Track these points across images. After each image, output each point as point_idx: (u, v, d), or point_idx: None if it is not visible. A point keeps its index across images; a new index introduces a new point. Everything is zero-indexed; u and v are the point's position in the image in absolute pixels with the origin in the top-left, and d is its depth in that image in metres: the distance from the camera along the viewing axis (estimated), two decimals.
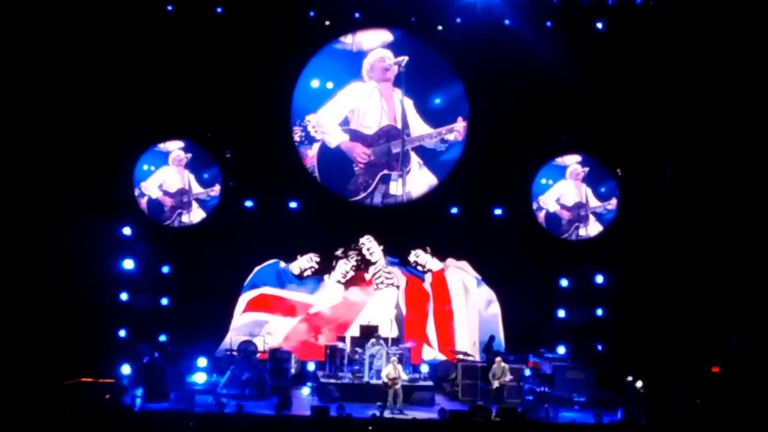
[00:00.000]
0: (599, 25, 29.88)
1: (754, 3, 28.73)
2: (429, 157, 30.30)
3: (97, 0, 28.24)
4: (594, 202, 30.34)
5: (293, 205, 30.24)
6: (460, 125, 30.13)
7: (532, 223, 30.27)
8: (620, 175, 30.12)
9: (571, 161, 30.36)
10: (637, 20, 29.56)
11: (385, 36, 30.01)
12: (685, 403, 25.82)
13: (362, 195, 30.20)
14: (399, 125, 30.09)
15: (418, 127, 30.23)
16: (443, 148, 30.27)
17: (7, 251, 27.32)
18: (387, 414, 24.78)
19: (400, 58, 29.86)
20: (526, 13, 29.65)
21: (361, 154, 30.06)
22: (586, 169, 30.31)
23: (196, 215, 29.48)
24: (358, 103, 30.06)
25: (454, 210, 30.61)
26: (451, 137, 30.22)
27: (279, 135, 29.81)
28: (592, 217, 30.34)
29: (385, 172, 30.18)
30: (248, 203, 30.06)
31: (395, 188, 30.26)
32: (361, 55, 29.99)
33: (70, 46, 27.89)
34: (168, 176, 29.34)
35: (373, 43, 30.00)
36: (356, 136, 30.10)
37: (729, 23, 28.83)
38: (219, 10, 29.17)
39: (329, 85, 29.92)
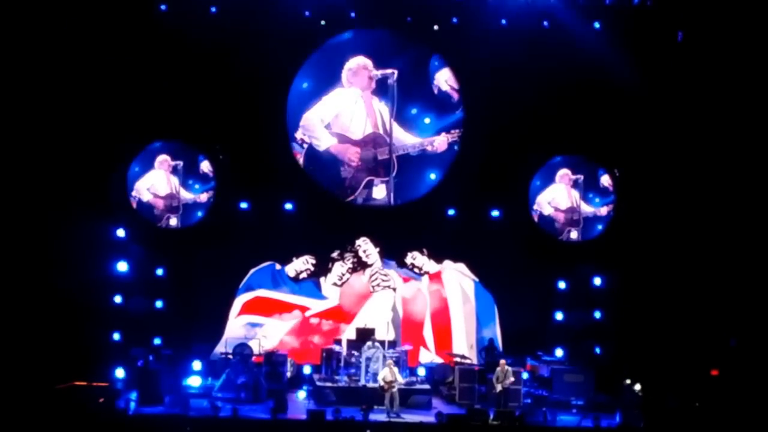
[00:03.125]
0: (596, 25, 29.72)
1: (752, 3, 28.59)
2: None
3: (90, 0, 28.07)
4: (586, 208, 30.22)
5: (289, 206, 30.07)
6: (442, 138, 29.95)
7: (529, 225, 30.19)
8: (618, 176, 29.99)
9: (563, 167, 30.31)
10: (635, 20, 29.42)
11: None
12: (684, 406, 25.70)
13: (348, 198, 30.05)
14: (382, 132, 29.94)
15: (402, 137, 30.12)
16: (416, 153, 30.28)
17: (0, 254, 27.13)
18: (383, 418, 24.62)
19: (389, 71, 29.68)
20: (523, 12, 29.48)
21: (352, 156, 29.86)
22: (580, 176, 30.17)
23: (184, 220, 29.36)
24: (343, 108, 29.91)
25: (451, 212, 30.45)
26: (430, 149, 30.07)
27: (274, 136, 29.60)
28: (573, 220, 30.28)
29: (371, 177, 29.99)
30: (243, 205, 29.88)
31: (377, 192, 30.08)
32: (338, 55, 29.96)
33: (62, 47, 27.69)
34: (156, 180, 29.21)
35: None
36: (344, 139, 29.95)
37: (726, 23, 28.71)
38: (213, 9, 28.99)
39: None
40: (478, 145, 29.92)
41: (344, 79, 29.87)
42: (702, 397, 26.13)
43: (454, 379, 27.57)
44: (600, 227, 30.23)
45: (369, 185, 30.09)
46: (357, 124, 29.98)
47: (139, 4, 28.61)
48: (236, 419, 23.87)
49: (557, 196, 30.29)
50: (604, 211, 30.22)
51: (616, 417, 25.28)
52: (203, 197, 29.43)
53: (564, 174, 30.24)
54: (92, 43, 27.97)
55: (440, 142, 30.05)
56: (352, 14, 29.74)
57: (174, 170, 29.33)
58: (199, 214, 29.51)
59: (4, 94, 27.41)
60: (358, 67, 29.81)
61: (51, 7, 27.70)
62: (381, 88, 29.95)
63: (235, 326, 29.36)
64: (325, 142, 29.89)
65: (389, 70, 29.73)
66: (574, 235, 30.30)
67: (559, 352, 29.78)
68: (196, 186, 29.45)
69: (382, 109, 30.01)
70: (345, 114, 29.94)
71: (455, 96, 30.16)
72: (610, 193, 30.17)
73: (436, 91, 30.14)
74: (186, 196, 29.40)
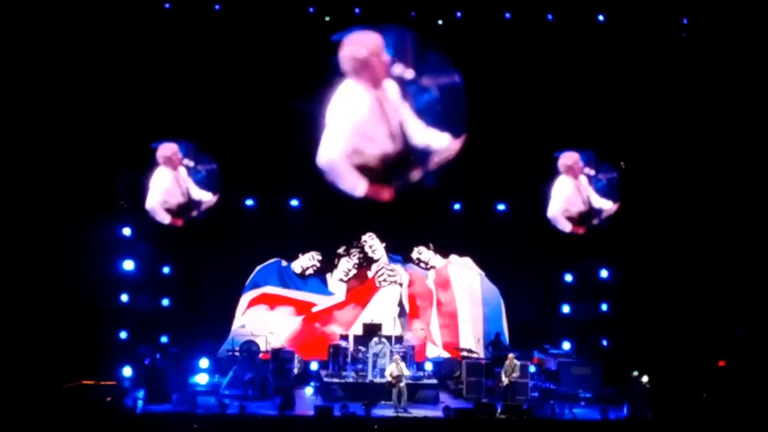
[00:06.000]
0: (600, 18, 29.64)
1: None
2: None
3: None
4: (593, 198, 30.13)
5: (294, 203, 30.09)
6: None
7: (534, 218, 30.09)
8: (624, 168, 29.92)
9: (565, 156, 30.13)
10: (639, 12, 29.33)
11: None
12: (692, 397, 25.65)
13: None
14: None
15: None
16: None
17: (7, 253, 27.15)
18: (391, 413, 24.66)
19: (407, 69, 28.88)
20: (527, 5, 29.42)
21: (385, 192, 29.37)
22: (580, 164, 30.07)
23: (187, 216, 29.28)
24: (359, 124, 28.66)
25: (457, 206, 30.44)
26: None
27: (279, 132, 29.54)
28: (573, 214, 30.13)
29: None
30: (249, 202, 29.92)
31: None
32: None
33: (68, 45, 27.67)
34: (160, 176, 29.13)
35: None
36: (373, 175, 28.81)
37: (731, 16, 28.63)
38: (217, 6, 28.95)
39: None
40: (483, 139, 29.82)
41: (349, 69, 28.02)
42: (709, 389, 26.10)
43: (461, 373, 27.58)
44: (602, 218, 30.11)
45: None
46: (379, 135, 28.42)
47: (143, 2, 28.56)
48: (244, 416, 23.70)
49: (560, 188, 30.17)
50: (607, 202, 30.10)
51: (624, 409, 25.21)
52: (207, 195, 29.33)
53: (563, 163, 30.03)
54: (98, 42, 27.91)
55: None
56: (357, 10, 29.65)
57: (175, 165, 29.20)
58: (202, 210, 29.41)
59: (10, 94, 27.43)
60: (370, 53, 27.93)
61: (55, 11, 27.70)
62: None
63: (242, 323, 29.36)
64: (357, 186, 28.48)
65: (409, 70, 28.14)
66: (574, 224, 30.16)
67: (566, 345, 29.85)
68: (200, 183, 29.37)
69: (395, 108, 28.55)
70: (365, 130, 28.42)
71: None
72: (614, 184, 30.04)
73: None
74: (193, 191, 29.28)
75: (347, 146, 28.85)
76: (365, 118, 28.71)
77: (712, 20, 28.76)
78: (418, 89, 29.11)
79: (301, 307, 29.91)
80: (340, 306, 30.03)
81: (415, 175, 28.79)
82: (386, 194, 28.94)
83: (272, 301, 29.83)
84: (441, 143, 28.94)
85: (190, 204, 29.23)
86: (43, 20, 27.53)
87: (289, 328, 29.59)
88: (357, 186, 28.66)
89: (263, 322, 29.30)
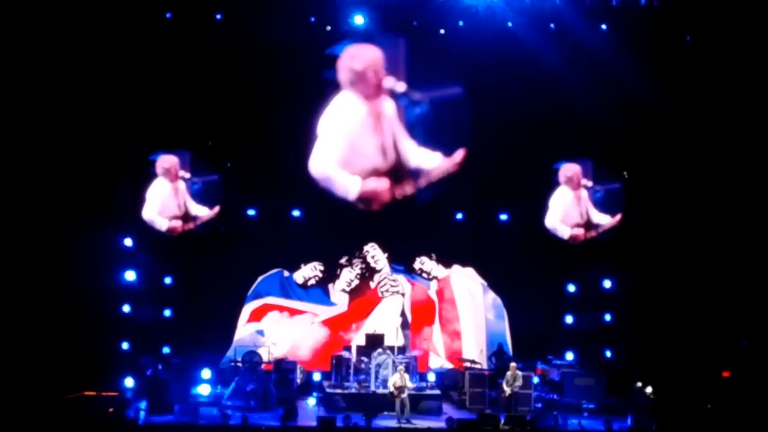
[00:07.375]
0: (603, 27, 29.58)
1: (759, 4, 28.47)
2: None
3: (96, 8, 27.98)
4: (592, 211, 29.98)
5: (296, 213, 30.03)
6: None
7: (537, 228, 29.99)
8: (627, 178, 29.84)
9: (565, 167, 29.94)
10: (642, 21, 29.25)
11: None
12: (696, 408, 25.61)
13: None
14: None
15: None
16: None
17: (8, 263, 27.09)
18: (394, 424, 24.60)
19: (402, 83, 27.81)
20: (530, 15, 29.34)
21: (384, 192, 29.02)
22: (580, 176, 29.94)
23: (188, 227, 29.08)
24: (351, 135, 27.50)
25: (459, 216, 30.38)
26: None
27: (281, 142, 29.47)
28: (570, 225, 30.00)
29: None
30: (251, 212, 29.87)
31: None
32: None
33: (69, 54, 27.63)
34: (158, 187, 28.96)
35: None
36: (367, 172, 28.20)
37: (734, 24, 28.59)
38: (218, 16, 28.87)
39: None
40: (485, 149, 29.71)
41: (346, 80, 27.12)
42: (714, 399, 26.04)
43: (464, 384, 27.49)
44: (600, 230, 29.98)
45: None
46: (370, 148, 27.58)
47: (145, 12, 28.46)
48: (246, 427, 23.80)
49: (557, 196, 30.01)
50: (605, 216, 29.96)
51: (628, 420, 25.18)
52: (204, 209, 29.15)
53: (563, 174, 29.83)
54: (98, 51, 27.82)
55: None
56: (358, 20, 29.52)
57: (173, 177, 29.04)
58: (198, 224, 29.17)
59: (11, 102, 27.39)
60: (366, 67, 27.00)
61: (56, 21, 27.66)
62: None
63: (244, 334, 29.33)
64: (350, 187, 27.42)
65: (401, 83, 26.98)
66: (578, 232, 30.06)
67: (569, 356, 29.79)
68: (199, 194, 29.23)
69: (389, 123, 27.63)
70: (356, 142, 27.50)
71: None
72: (614, 196, 29.92)
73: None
74: (191, 203, 29.19)
75: (338, 157, 27.60)
76: (357, 130, 27.59)
77: (716, 29, 28.66)
78: (412, 103, 27.92)
79: (303, 318, 29.81)
80: (358, 316, 29.91)
81: (407, 190, 28.39)
82: (384, 191, 27.64)
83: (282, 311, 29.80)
84: (432, 163, 27.74)
85: (187, 217, 29.09)
86: (44, 30, 27.46)
87: (315, 336, 29.49)
88: (350, 187, 27.39)
89: (282, 330, 29.41)
